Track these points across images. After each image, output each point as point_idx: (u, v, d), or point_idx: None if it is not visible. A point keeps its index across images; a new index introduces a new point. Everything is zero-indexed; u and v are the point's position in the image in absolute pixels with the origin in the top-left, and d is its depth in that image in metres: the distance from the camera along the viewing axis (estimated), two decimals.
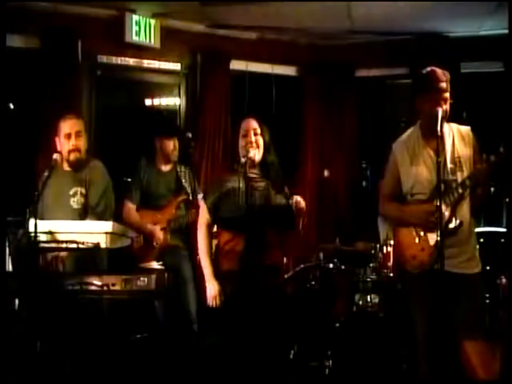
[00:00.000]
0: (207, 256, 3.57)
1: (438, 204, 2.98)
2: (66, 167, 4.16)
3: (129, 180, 4.94)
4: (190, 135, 4.95)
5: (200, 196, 4.74)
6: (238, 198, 3.42)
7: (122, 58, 5.60)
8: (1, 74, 3.33)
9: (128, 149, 5.60)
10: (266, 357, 3.42)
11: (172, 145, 4.70)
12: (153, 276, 3.68)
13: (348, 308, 4.50)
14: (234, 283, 3.45)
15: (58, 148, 4.14)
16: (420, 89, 3.26)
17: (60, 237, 3.58)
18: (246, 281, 3.36)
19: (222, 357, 3.50)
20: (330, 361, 4.15)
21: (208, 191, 3.74)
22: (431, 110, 3.13)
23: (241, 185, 3.40)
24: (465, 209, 3.21)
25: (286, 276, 4.46)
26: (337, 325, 4.27)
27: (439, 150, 3.05)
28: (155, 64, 5.76)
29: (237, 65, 6.01)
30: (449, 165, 3.19)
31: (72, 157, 4.12)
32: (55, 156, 3.87)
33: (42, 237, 3.53)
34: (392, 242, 4.29)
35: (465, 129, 3.30)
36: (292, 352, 4.30)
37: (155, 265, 4.28)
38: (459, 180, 3.16)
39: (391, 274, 4.42)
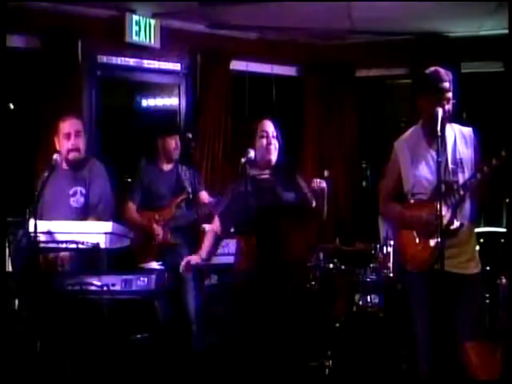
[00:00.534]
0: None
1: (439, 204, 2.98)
2: (65, 166, 4.16)
3: (129, 180, 4.95)
4: (190, 135, 4.95)
5: (202, 193, 4.75)
6: (247, 200, 3.43)
7: (122, 58, 5.60)
8: (1, 74, 3.33)
9: (129, 149, 5.61)
10: (266, 357, 3.42)
11: (173, 143, 4.72)
12: (153, 276, 3.70)
13: (348, 308, 4.50)
14: (253, 283, 3.47)
15: (58, 148, 4.14)
16: (423, 89, 3.24)
17: (59, 237, 3.59)
18: (263, 281, 3.39)
19: (222, 357, 3.50)
20: (330, 361, 4.15)
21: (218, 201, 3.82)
22: (433, 110, 3.12)
23: (248, 188, 3.42)
24: (466, 210, 3.21)
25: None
26: (337, 325, 4.26)
27: (441, 150, 3.05)
28: (155, 64, 5.76)
29: (237, 65, 6.01)
30: (450, 166, 3.18)
31: (72, 156, 4.12)
32: (55, 155, 3.86)
33: (42, 237, 3.53)
34: (392, 242, 4.33)
35: (467, 130, 3.28)
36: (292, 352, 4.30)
37: (155, 265, 4.28)
38: (460, 180, 3.14)
39: (391, 274, 4.42)
